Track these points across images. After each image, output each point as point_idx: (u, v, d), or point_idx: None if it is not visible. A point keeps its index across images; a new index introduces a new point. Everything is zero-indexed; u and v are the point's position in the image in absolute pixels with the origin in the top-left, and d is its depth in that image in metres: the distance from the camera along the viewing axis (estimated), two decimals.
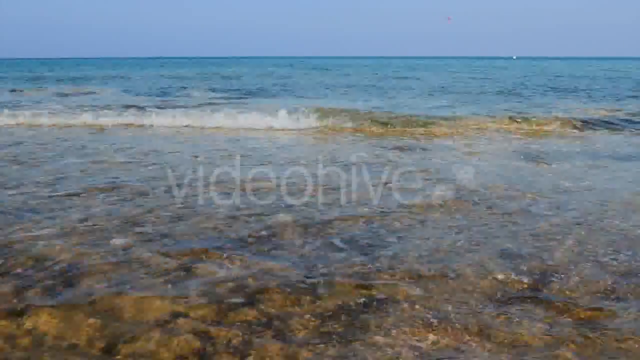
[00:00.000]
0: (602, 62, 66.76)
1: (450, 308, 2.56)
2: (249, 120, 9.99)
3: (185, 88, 20.43)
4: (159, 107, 12.47)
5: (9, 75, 33.56)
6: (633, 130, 9.50)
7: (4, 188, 4.85)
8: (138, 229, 3.67)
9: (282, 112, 9.92)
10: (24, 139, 8.29)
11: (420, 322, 2.43)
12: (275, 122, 9.75)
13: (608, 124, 10.03)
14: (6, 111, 10.95)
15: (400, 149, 7.37)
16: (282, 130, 9.46)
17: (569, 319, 2.46)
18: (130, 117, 10.82)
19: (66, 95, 17.48)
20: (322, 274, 2.94)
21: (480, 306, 2.59)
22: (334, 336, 2.32)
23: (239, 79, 27.56)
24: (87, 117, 10.69)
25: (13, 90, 19.28)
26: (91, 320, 2.41)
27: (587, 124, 9.93)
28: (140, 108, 12.15)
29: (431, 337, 2.31)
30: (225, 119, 10.10)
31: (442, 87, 20.44)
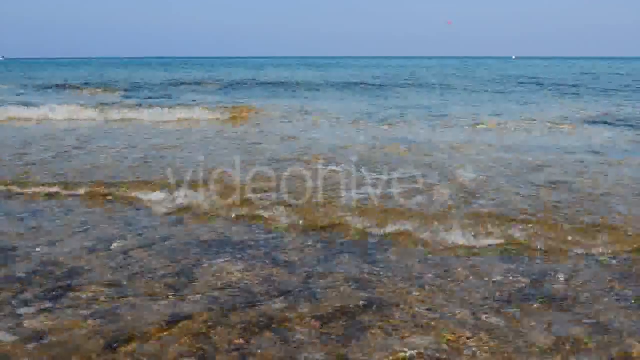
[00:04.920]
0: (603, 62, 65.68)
1: (450, 308, 2.57)
2: None
3: None
4: None
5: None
6: None
7: None
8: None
9: None
10: None
11: (421, 322, 2.43)
12: None
13: None
14: None
15: None
16: None
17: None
18: None
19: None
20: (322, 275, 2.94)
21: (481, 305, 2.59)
22: (334, 337, 2.32)
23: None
24: None
25: None
26: (91, 323, 2.41)
27: None
28: None
29: (431, 337, 2.31)
30: None
31: None
